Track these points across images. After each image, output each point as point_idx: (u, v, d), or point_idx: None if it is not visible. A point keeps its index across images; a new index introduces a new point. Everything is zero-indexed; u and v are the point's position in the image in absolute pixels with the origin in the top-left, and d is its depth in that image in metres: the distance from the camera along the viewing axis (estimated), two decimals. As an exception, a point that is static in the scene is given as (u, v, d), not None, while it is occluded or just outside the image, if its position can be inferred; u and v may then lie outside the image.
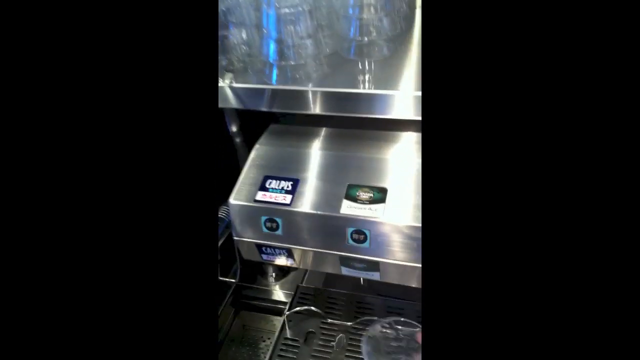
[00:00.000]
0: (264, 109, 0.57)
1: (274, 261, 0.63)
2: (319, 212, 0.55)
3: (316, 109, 0.55)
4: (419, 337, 0.72)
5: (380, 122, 0.58)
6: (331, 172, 0.59)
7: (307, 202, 0.57)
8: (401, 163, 0.58)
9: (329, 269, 0.60)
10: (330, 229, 0.56)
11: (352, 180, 0.58)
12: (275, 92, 0.55)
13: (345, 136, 0.64)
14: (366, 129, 0.64)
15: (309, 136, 0.65)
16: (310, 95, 0.54)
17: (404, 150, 0.60)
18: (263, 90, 0.55)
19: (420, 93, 0.49)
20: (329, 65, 0.56)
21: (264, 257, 0.62)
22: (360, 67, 0.57)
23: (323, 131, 0.66)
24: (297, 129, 0.67)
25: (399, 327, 0.74)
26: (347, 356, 0.75)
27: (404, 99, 0.50)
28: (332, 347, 0.77)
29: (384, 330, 0.75)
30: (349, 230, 0.55)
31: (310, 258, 0.60)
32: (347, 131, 0.65)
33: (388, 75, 0.54)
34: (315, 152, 0.63)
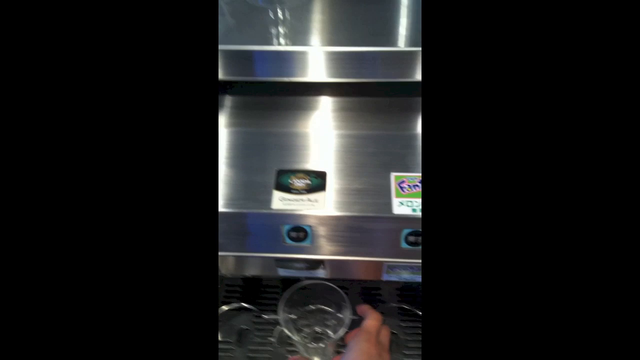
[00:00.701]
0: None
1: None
2: (244, 211, 0.44)
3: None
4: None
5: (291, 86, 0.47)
6: (250, 155, 0.47)
7: (227, 198, 0.44)
8: (330, 137, 0.48)
9: (264, 272, 0.50)
10: (261, 228, 0.45)
11: (280, 164, 0.47)
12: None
13: (254, 106, 0.52)
14: (275, 96, 0.52)
15: (233, 109, 0.52)
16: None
17: (327, 120, 0.50)
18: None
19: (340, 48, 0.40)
20: (233, 15, 0.43)
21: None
22: (273, 18, 0.45)
23: (226, 101, 0.52)
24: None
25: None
26: (289, 350, 0.68)
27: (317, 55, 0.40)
28: (272, 343, 0.68)
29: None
30: (285, 228, 0.44)
31: (241, 264, 0.49)
32: (254, 99, 0.52)
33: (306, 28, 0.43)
34: (222, 130, 0.50)
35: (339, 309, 0.67)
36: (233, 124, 0.50)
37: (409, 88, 0.48)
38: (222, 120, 0.50)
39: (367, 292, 0.74)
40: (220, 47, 0.42)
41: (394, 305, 0.72)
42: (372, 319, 0.56)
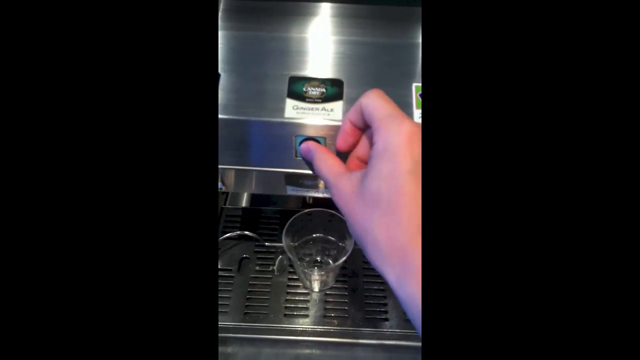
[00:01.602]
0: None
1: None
2: (254, 119, 0.41)
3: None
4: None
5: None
6: (263, 61, 0.43)
7: (236, 106, 0.41)
8: (342, 42, 0.44)
9: (269, 191, 0.48)
10: (271, 139, 0.42)
11: (294, 70, 0.43)
12: None
13: (253, 9, 0.47)
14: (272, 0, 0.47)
15: (230, 13, 0.47)
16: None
17: (329, 26, 0.46)
18: None
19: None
20: None
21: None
22: None
23: (223, 3, 0.47)
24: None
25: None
26: (290, 279, 0.67)
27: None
28: (272, 271, 0.68)
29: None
30: (298, 139, 0.41)
31: (243, 179, 0.47)
32: (250, 3, 0.47)
33: None
34: (237, 34, 0.45)
35: (342, 238, 0.66)
36: (239, 27, 0.45)
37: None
38: (223, 23, 0.46)
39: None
40: None
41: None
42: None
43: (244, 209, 0.77)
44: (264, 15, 0.47)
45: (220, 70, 0.43)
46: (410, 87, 0.42)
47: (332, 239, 0.67)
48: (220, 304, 0.63)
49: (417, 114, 0.41)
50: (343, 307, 0.64)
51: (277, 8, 0.47)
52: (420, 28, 0.46)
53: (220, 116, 0.40)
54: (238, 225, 0.74)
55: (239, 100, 0.41)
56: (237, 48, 0.44)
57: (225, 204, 0.78)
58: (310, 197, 0.70)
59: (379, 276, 0.31)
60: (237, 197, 0.80)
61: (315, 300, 0.65)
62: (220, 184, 0.47)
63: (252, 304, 0.64)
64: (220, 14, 0.47)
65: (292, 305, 0.64)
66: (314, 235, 0.68)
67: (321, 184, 0.47)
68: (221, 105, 0.41)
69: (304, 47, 0.45)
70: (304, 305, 0.64)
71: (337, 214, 0.64)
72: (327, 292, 0.66)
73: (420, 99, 0.41)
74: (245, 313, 0.63)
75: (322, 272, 0.64)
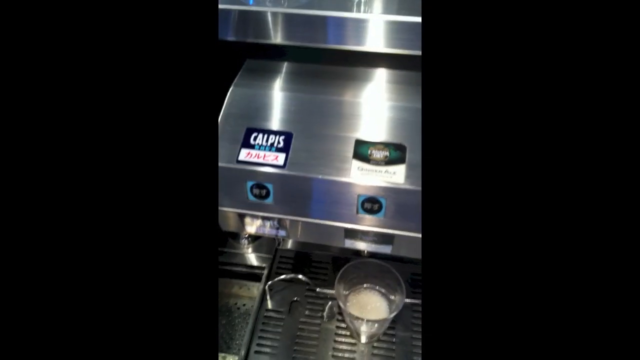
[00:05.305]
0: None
1: (260, 234, 0.51)
2: (322, 177, 0.44)
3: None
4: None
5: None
6: (330, 123, 0.47)
7: (305, 163, 0.45)
8: (410, 109, 0.47)
9: (328, 242, 0.50)
10: (335, 196, 0.45)
11: (359, 134, 0.46)
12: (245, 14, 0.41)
13: (338, 76, 0.51)
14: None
15: (295, 75, 0.52)
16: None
17: (407, 92, 0.49)
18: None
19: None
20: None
21: (248, 228, 0.51)
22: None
23: (285, 66, 0.52)
24: (278, 65, 0.53)
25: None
26: (338, 327, 0.68)
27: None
28: (321, 317, 0.69)
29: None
30: (360, 198, 0.44)
31: (306, 230, 0.50)
32: (339, 69, 0.52)
33: None
34: (306, 96, 0.50)
35: (393, 291, 0.66)
36: (317, 91, 0.50)
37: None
38: (305, 87, 0.50)
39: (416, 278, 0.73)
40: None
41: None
42: None
43: (297, 252, 0.80)
44: (325, 78, 0.51)
45: (290, 130, 0.47)
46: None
47: (383, 290, 0.68)
48: (269, 345, 0.65)
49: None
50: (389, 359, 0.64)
51: (336, 72, 0.52)
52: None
53: (302, 174, 0.44)
54: (290, 266, 0.77)
55: (307, 158, 0.45)
56: (301, 109, 0.49)
57: (278, 245, 0.81)
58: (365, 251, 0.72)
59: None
60: (290, 241, 0.83)
61: (363, 352, 0.65)
62: (283, 232, 0.50)
63: (300, 348, 0.65)
64: (282, 75, 0.52)
65: (339, 355, 0.65)
66: (364, 285, 0.69)
67: (378, 240, 0.49)
68: (303, 166, 0.45)
69: (364, 111, 0.48)
70: (351, 356, 0.65)
71: (388, 265, 0.66)
72: (375, 345, 0.66)
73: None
74: (294, 357, 0.64)
75: (370, 324, 0.65)
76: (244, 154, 0.45)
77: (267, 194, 0.46)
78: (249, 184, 0.45)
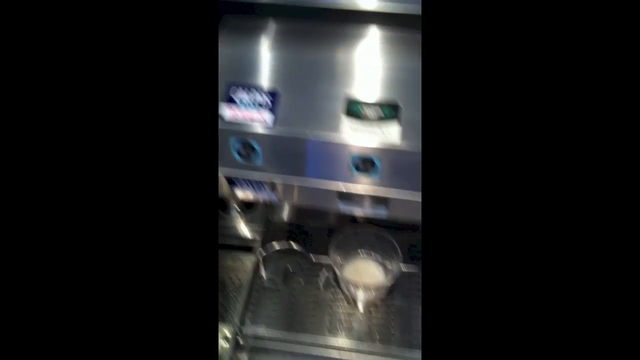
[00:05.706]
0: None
1: (250, 198, 0.49)
2: (312, 136, 0.42)
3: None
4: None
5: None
6: (319, 81, 0.45)
7: (293, 122, 0.42)
8: (402, 69, 0.45)
9: (322, 204, 0.49)
10: (327, 156, 0.43)
11: (350, 92, 0.44)
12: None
13: (322, 33, 0.48)
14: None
15: (279, 33, 0.49)
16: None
17: (400, 51, 0.46)
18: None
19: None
20: None
21: (238, 192, 0.49)
22: None
23: (289, 26, 0.49)
24: (259, 22, 0.50)
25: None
26: (334, 296, 0.67)
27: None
28: (317, 286, 0.68)
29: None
30: (353, 158, 0.42)
31: (298, 193, 0.48)
32: (322, 27, 0.48)
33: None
34: (292, 54, 0.47)
35: (389, 257, 0.65)
36: (303, 49, 0.47)
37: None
38: (291, 44, 0.47)
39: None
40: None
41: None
42: None
43: (290, 223, 0.78)
44: (315, 36, 0.48)
45: (278, 88, 0.44)
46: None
47: (379, 258, 0.67)
48: (265, 315, 0.64)
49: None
50: (387, 328, 0.63)
51: (326, 30, 0.49)
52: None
53: (291, 134, 0.42)
54: (284, 237, 0.75)
55: (297, 117, 0.43)
56: (291, 68, 0.46)
57: (271, 217, 0.79)
58: (360, 217, 0.71)
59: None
60: (282, 210, 0.81)
61: (361, 320, 0.64)
62: (274, 196, 0.48)
63: (297, 318, 0.64)
64: (266, 34, 0.49)
65: (337, 324, 0.64)
66: (360, 253, 0.68)
67: (372, 202, 0.47)
68: (291, 124, 0.42)
69: (356, 69, 0.45)
70: (348, 325, 0.64)
71: (383, 233, 0.64)
72: (373, 314, 0.65)
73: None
74: (290, 326, 0.63)
75: (367, 290, 0.64)
76: (227, 112, 0.43)
77: (254, 155, 0.44)
78: (234, 143, 0.43)
